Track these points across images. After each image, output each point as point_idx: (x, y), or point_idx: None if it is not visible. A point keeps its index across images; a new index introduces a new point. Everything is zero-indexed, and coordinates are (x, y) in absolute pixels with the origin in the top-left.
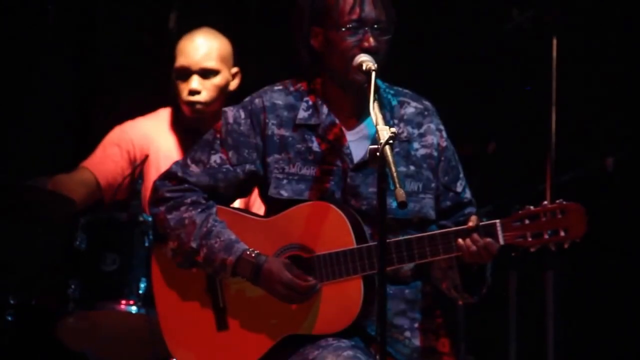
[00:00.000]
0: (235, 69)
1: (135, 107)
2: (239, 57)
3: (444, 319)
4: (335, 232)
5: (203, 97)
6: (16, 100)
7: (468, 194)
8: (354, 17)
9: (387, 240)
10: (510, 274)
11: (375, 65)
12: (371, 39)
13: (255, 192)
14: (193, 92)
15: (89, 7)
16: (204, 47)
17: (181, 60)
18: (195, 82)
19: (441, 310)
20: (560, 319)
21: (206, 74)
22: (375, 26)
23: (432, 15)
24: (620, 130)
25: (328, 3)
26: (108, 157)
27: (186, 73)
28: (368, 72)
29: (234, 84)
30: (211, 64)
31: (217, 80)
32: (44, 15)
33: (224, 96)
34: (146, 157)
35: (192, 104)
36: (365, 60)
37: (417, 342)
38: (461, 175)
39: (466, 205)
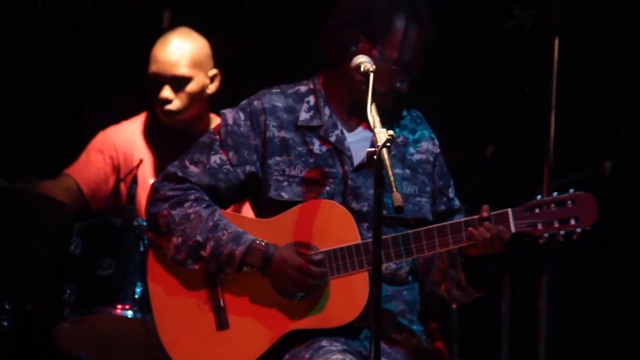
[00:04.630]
0: (213, 72)
1: (126, 108)
2: (234, 55)
3: (439, 324)
4: (339, 228)
5: (175, 105)
6: (5, 102)
7: (457, 202)
8: (395, 56)
9: (395, 235)
10: (504, 278)
11: (374, 66)
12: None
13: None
14: (164, 101)
15: (80, 6)
16: (175, 54)
17: (153, 68)
18: (166, 90)
19: (435, 315)
20: (553, 323)
21: (178, 81)
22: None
23: (432, 14)
24: (618, 134)
25: (379, 22)
26: (91, 164)
27: (158, 81)
28: (366, 74)
29: (212, 87)
30: (182, 71)
31: (190, 87)
32: (34, 14)
33: (203, 100)
34: (140, 161)
35: (163, 112)
36: (364, 62)
37: (413, 344)
38: (451, 182)
39: (456, 212)
